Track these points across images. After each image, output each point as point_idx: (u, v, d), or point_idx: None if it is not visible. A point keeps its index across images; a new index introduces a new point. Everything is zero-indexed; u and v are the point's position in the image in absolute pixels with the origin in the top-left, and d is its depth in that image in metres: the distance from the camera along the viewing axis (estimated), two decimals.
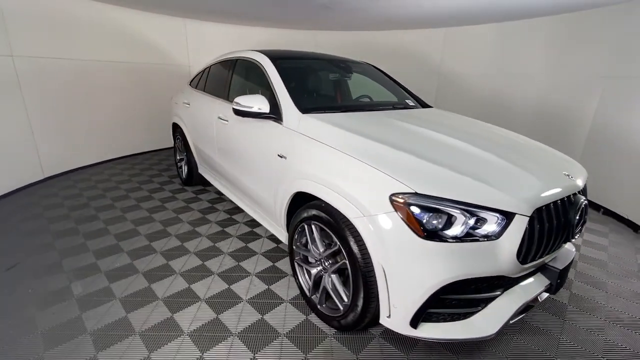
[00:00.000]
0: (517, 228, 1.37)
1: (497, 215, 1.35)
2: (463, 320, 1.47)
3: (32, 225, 2.94)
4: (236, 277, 2.29)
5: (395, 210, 1.39)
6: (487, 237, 1.35)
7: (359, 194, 1.51)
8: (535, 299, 1.58)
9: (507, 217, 1.36)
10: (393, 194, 1.40)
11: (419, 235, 1.35)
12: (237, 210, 3.37)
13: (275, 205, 2.19)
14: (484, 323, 1.45)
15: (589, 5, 3.45)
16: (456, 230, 1.35)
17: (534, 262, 1.49)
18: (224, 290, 2.15)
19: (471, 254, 1.35)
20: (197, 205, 3.46)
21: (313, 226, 1.82)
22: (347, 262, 1.60)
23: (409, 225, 1.36)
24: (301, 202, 1.96)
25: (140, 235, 2.82)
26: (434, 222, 1.36)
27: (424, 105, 2.84)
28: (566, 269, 1.68)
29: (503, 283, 1.50)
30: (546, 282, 1.63)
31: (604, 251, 2.82)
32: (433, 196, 1.37)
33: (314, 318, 1.93)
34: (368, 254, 1.49)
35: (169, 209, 3.34)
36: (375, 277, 1.49)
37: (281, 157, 2.02)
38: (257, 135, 2.28)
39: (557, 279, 1.63)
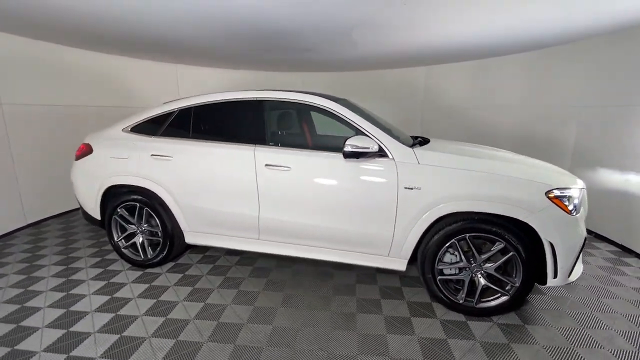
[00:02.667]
0: (585, 197, 2.36)
1: (581, 191, 2.29)
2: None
3: None
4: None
5: (552, 202, 2.07)
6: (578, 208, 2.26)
7: (523, 199, 2.08)
8: None
9: (581, 191, 2.32)
10: (547, 192, 2.08)
11: (569, 214, 2.09)
12: (277, 280, 2.89)
13: (396, 237, 2.32)
14: (579, 263, 2.36)
15: (557, 42, 3.84)
16: (572, 206, 2.18)
17: None
18: None
19: (582, 216, 2.22)
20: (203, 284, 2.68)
21: (467, 238, 2.19)
22: (515, 253, 2.12)
23: (562, 209, 2.08)
24: None
25: None
26: (567, 203, 2.14)
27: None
28: None
29: None
30: None
31: None
32: (563, 187, 2.14)
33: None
34: (539, 238, 2.08)
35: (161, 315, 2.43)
36: (540, 254, 2.11)
37: (411, 188, 2.22)
38: (367, 174, 2.31)
39: None
